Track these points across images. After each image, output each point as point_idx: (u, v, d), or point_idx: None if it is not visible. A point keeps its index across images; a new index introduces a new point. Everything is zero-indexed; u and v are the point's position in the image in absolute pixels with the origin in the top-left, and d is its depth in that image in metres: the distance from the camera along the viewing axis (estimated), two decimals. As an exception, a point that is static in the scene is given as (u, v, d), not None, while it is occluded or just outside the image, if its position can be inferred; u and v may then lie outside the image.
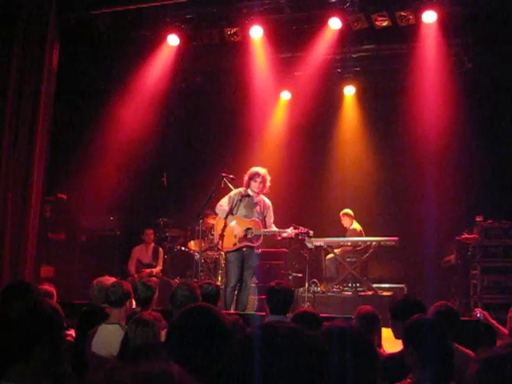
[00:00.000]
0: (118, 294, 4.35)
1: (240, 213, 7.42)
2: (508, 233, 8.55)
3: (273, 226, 7.51)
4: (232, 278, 7.25)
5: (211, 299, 4.62)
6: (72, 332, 4.83)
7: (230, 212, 7.36)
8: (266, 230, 7.38)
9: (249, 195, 7.47)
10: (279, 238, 7.64)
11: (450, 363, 2.74)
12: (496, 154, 9.51)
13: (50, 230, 9.21)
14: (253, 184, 7.42)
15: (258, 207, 7.47)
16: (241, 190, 7.51)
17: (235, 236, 7.27)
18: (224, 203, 7.43)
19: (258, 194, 7.49)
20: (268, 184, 7.49)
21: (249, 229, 7.28)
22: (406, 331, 2.96)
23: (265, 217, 7.50)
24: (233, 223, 7.28)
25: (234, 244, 7.28)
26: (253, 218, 7.38)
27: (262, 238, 7.33)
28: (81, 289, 8.53)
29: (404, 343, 2.96)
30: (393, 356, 3.67)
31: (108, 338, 4.09)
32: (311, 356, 1.39)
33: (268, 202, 7.61)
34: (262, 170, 7.48)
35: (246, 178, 7.51)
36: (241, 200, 7.43)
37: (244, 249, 7.28)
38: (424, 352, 2.72)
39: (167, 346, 2.01)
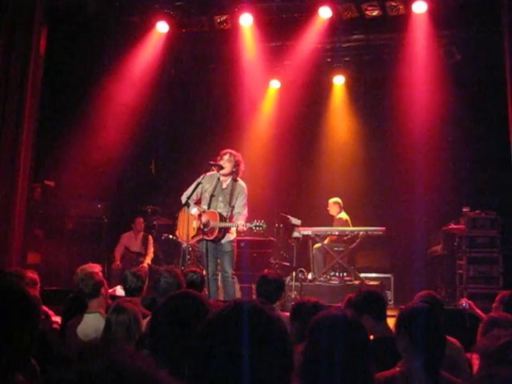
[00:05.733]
0: (90, 286, 4.34)
1: (204, 202, 7.08)
2: (494, 223, 8.61)
3: (239, 216, 6.97)
4: (205, 268, 7.03)
5: (195, 287, 4.62)
6: (58, 319, 4.81)
7: (197, 202, 7.09)
8: (219, 223, 6.86)
9: (218, 180, 7.04)
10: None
11: (441, 352, 2.76)
12: (484, 144, 9.55)
13: (36, 219, 9.16)
14: (221, 162, 6.99)
15: (226, 195, 7.03)
16: (208, 174, 7.07)
17: (194, 228, 6.93)
18: (189, 191, 7.03)
19: (226, 175, 7.07)
20: (241, 167, 7.08)
21: (207, 221, 6.86)
22: (401, 317, 2.97)
23: (233, 206, 7.01)
24: (193, 210, 6.90)
25: (193, 237, 6.98)
26: (210, 210, 6.97)
27: (217, 230, 6.84)
28: (67, 276, 8.50)
29: (396, 329, 2.97)
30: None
31: (89, 327, 4.11)
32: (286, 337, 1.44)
33: (240, 188, 7.09)
34: (232, 151, 7.09)
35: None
36: (205, 187, 7.05)
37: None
38: (417, 339, 2.74)
39: (151, 332, 2.00)
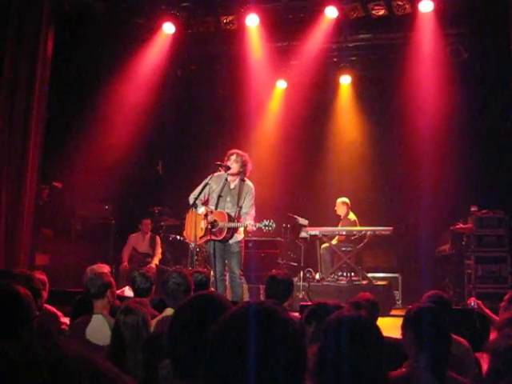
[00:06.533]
0: (97, 286, 4.34)
1: (211, 202, 7.09)
2: (502, 222, 8.58)
3: (247, 217, 6.96)
4: (213, 269, 7.05)
5: (201, 287, 4.63)
6: (67, 320, 4.83)
7: (205, 203, 7.10)
8: (228, 223, 6.85)
9: (226, 181, 7.01)
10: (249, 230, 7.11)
11: (447, 352, 2.75)
12: (491, 143, 9.51)
13: (44, 220, 9.20)
14: (228, 162, 6.98)
15: (234, 195, 7.03)
16: (215, 174, 7.05)
17: (202, 229, 6.95)
18: (196, 192, 7.05)
19: (234, 176, 7.06)
20: (248, 167, 7.08)
21: (215, 221, 6.84)
22: (407, 318, 2.96)
23: (241, 206, 7.01)
24: (201, 210, 6.94)
25: (201, 237, 6.98)
26: (219, 210, 6.96)
27: (225, 230, 6.83)
28: (75, 277, 8.53)
29: (403, 330, 2.97)
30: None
31: (96, 328, 4.13)
32: (299, 338, 1.44)
33: (248, 188, 7.09)
34: (239, 151, 7.09)
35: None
36: (213, 188, 7.06)
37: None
38: (423, 340, 2.73)
39: (171, 332, 2.00)
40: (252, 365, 1.32)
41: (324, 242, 9.65)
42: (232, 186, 7.12)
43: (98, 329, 4.10)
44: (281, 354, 1.36)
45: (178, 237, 9.88)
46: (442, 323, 2.84)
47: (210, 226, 6.87)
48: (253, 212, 7.05)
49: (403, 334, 2.96)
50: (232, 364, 1.34)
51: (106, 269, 4.95)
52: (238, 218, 7.02)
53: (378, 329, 2.25)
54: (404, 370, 2.76)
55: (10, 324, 2.15)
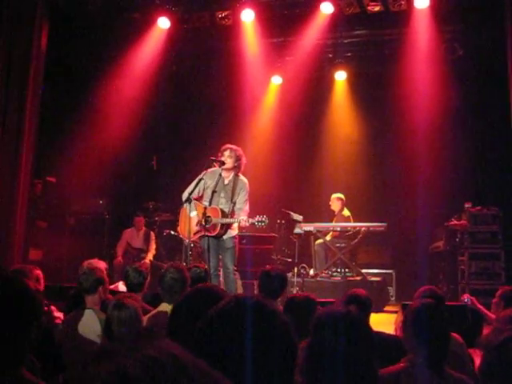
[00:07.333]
0: (90, 281, 4.32)
1: (205, 198, 7.05)
2: (496, 219, 8.61)
3: (240, 212, 6.91)
4: (207, 264, 6.88)
5: (200, 282, 4.61)
6: (60, 315, 4.82)
7: (199, 198, 7.08)
8: (221, 219, 6.81)
9: (220, 176, 6.94)
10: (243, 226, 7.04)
11: (444, 348, 2.76)
12: (485, 139, 9.53)
13: (38, 215, 9.17)
14: (222, 157, 6.92)
15: (228, 191, 6.98)
16: (209, 170, 7.01)
17: (196, 225, 6.92)
18: (190, 188, 6.98)
19: (228, 171, 7.01)
20: (242, 162, 7.02)
21: (208, 217, 6.79)
22: (407, 313, 2.97)
23: (235, 202, 6.97)
24: (193, 214, 6.91)
25: (195, 233, 6.95)
26: (213, 206, 6.91)
27: (219, 226, 6.78)
28: (69, 272, 8.53)
29: (403, 325, 2.98)
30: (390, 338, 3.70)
31: (88, 323, 4.12)
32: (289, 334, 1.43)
33: (242, 183, 7.04)
34: (232, 146, 7.04)
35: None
36: (207, 183, 7.01)
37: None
38: (420, 335, 2.74)
39: (170, 326, 2.00)
40: (243, 358, 1.30)
41: (318, 238, 9.66)
42: (226, 181, 7.09)
43: (90, 324, 4.09)
44: (272, 346, 1.35)
45: (172, 232, 9.86)
46: (439, 319, 2.85)
47: (203, 222, 6.84)
48: (247, 208, 7.02)
49: (403, 329, 2.97)
50: (222, 360, 1.32)
51: (102, 265, 4.94)
52: (231, 214, 6.99)
53: (367, 325, 2.25)
54: (402, 364, 2.76)
55: (23, 322, 2.14)
